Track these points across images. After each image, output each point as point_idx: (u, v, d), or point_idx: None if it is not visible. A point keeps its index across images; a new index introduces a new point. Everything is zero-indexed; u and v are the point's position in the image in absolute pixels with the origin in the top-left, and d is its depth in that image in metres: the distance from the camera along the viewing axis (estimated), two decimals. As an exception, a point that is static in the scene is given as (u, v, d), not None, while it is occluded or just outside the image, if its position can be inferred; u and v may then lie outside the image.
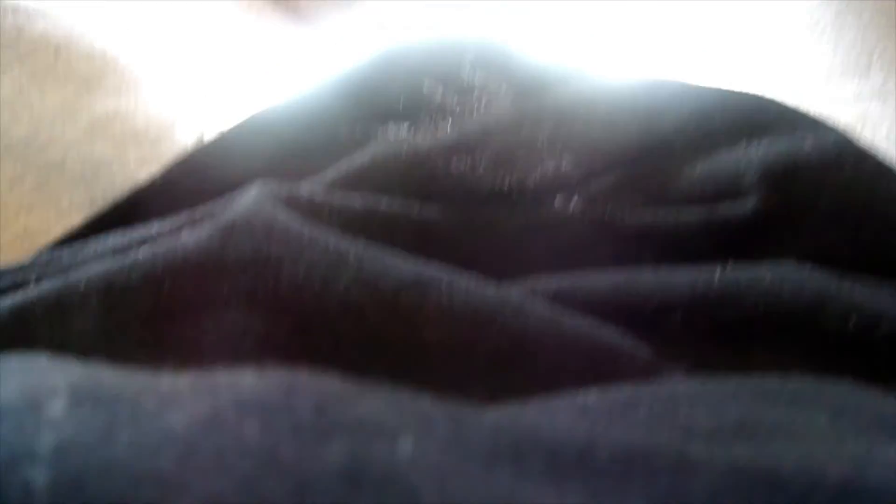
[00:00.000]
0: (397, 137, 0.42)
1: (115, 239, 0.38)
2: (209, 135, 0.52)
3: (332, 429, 0.17)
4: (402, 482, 0.17)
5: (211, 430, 0.17)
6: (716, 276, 0.34)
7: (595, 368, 0.29)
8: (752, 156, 0.39)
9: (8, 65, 0.56)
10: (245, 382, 0.19)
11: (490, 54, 0.48)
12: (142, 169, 0.55)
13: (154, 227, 0.38)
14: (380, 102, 0.45)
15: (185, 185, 0.47)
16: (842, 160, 0.41)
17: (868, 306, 0.33)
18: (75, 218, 0.49)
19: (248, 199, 0.34)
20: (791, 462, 0.19)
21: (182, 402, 0.18)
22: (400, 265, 0.30)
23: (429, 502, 0.16)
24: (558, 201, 0.37)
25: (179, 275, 0.31)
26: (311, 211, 0.34)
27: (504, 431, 0.19)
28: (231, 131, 0.50)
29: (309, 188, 0.37)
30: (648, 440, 0.20)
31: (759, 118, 0.42)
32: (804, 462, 0.19)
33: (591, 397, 0.24)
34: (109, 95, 0.58)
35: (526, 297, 0.31)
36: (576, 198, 0.37)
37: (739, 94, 0.45)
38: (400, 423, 0.18)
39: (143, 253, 0.33)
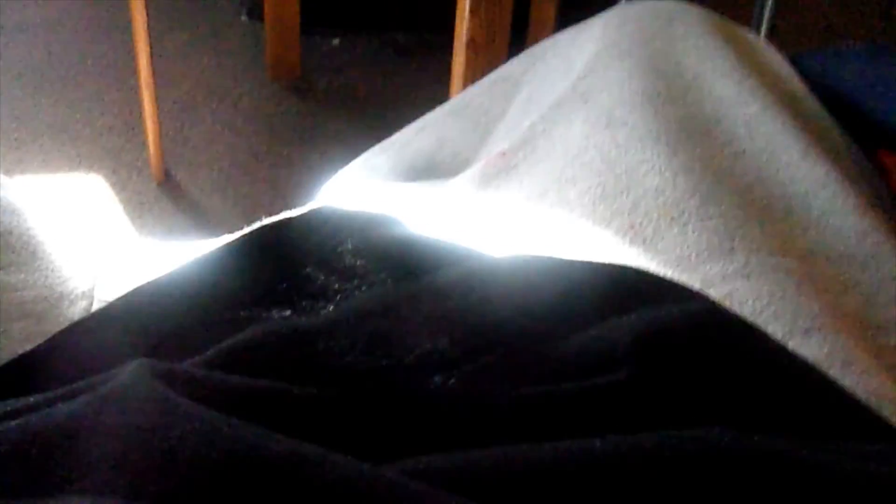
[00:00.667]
0: (278, 319, 0.42)
1: None
2: (96, 305, 0.52)
3: None
4: None
5: None
6: (596, 445, 0.35)
7: None
8: (623, 327, 0.41)
9: None
10: None
11: (370, 237, 0.50)
12: (26, 343, 0.54)
13: (31, 399, 0.37)
14: (261, 284, 0.46)
15: (67, 356, 0.47)
16: (709, 325, 0.43)
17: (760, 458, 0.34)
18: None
19: (126, 374, 0.34)
20: None
21: None
22: (274, 441, 0.30)
23: None
24: (436, 380, 0.38)
25: (49, 442, 0.31)
26: (189, 388, 0.34)
27: None
28: (115, 303, 0.50)
29: (188, 366, 0.37)
30: None
31: (628, 290, 0.44)
32: None
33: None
34: (-1, 269, 0.58)
35: (401, 477, 0.31)
36: (453, 377, 0.38)
37: (608, 265, 0.48)
38: None
39: (16, 423, 0.32)
